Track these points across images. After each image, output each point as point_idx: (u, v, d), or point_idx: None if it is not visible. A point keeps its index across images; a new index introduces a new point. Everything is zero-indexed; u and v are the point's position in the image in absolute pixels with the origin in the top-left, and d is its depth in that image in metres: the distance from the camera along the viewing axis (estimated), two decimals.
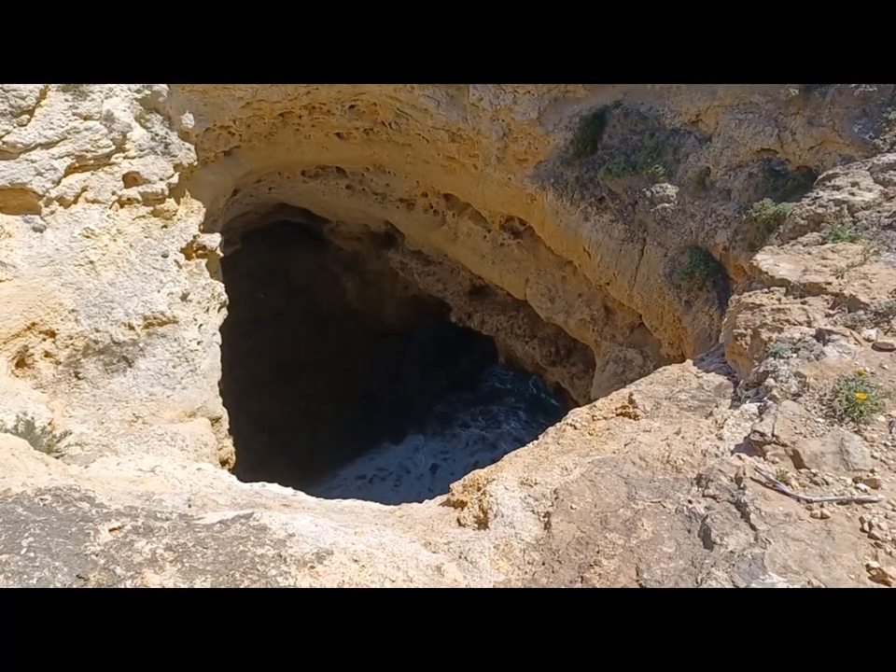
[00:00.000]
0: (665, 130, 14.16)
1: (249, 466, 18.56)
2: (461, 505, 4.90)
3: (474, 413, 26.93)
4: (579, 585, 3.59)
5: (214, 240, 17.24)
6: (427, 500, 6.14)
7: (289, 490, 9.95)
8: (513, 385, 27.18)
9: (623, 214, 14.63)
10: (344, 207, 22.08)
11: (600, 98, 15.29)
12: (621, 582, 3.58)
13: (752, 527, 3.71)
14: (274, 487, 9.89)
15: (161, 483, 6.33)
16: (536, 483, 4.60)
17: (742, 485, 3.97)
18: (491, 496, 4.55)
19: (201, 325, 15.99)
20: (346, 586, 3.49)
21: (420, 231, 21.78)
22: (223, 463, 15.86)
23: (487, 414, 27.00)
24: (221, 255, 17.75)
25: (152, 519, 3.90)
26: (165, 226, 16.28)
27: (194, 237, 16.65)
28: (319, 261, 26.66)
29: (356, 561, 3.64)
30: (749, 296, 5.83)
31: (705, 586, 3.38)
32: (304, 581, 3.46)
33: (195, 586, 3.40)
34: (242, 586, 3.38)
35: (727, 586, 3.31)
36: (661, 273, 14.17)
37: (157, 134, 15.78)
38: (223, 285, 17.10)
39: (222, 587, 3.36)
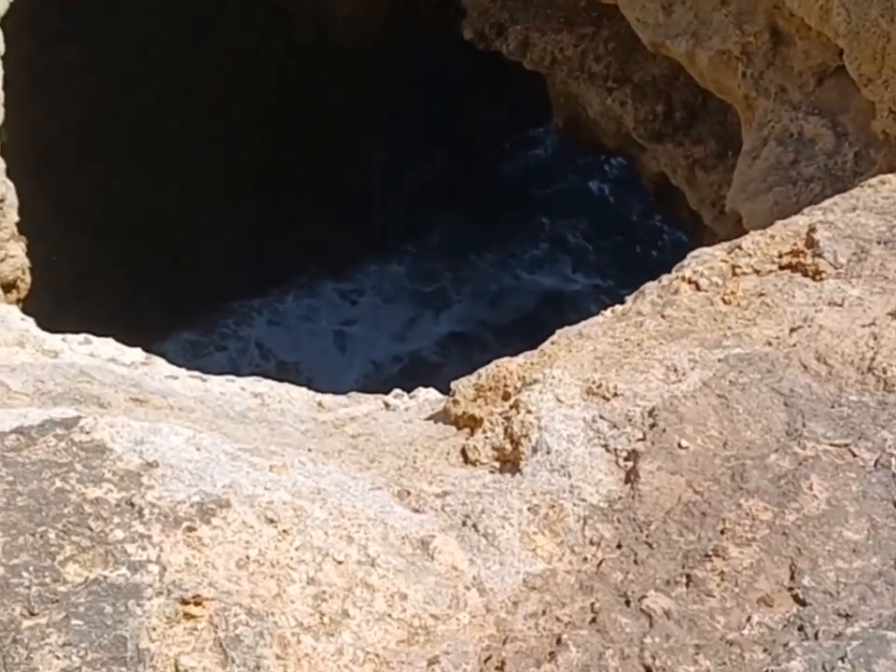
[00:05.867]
0: None
1: (60, 292, 18.92)
2: (472, 423, 5.04)
3: (495, 230, 27.13)
4: (681, 590, 3.78)
5: None
6: (404, 398, 6.30)
7: (138, 353, 10.28)
8: (574, 175, 27.21)
9: None
10: None
11: None
12: (759, 590, 3.75)
13: None
14: (108, 347, 10.20)
15: None
16: (615, 395, 4.69)
17: None
18: (529, 411, 4.65)
19: None
20: (254, 567, 3.67)
21: None
22: (7, 287, 16.19)
23: (521, 231, 27.21)
24: None
25: None
26: None
27: None
28: None
29: (271, 521, 3.81)
30: None
31: None
32: (176, 555, 3.62)
33: None
34: (60, 557, 3.54)
35: None
36: None
37: None
38: None
39: (23, 556, 3.52)
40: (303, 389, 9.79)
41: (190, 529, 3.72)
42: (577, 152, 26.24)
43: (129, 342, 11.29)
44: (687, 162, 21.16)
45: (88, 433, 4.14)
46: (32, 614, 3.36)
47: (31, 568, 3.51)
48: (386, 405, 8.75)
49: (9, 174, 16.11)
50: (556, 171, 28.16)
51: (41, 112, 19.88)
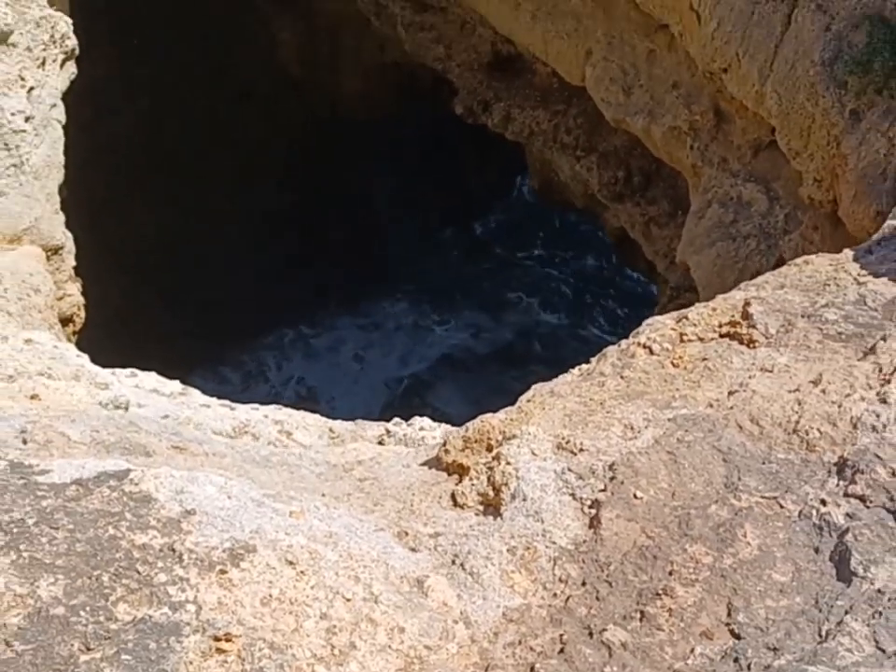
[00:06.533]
0: None
1: (108, 326, 18.92)
2: (460, 471, 5.07)
3: (480, 274, 27.35)
4: (636, 624, 3.81)
5: None
6: (403, 447, 6.33)
7: (176, 384, 10.29)
8: (544, 233, 27.46)
9: None
10: None
11: None
12: (701, 625, 3.79)
13: None
14: (150, 379, 10.22)
15: None
16: (581, 450, 4.74)
17: None
18: (508, 462, 4.71)
19: (31, 88, 15.74)
20: (275, 604, 3.70)
21: None
22: (65, 321, 16.17)
23: (502, 277, 27.42)
24: None
25: None
26: None
27: None
28: None
29: (290, 563, 3.84)
30: None
31: (831, 643, 3.58)
32: (210, 595, 3.65)
33: (38, 591, 3.58)
34: (112, 598, 3.57)
35: (866, 648, 3.51)
36: (816, 60, 14.03)
37: None
38: (71, 21, 16.70)
39: (81, 596, 3.55)
40: (317, 416, 9.79)
41: (222, 572, 3.75)
42: (550, 210, 26.44)
43: (169, 371, 11.33)
44: (643, 219, 21.32)
45: (136, 484, 4.17)
46: (88, 649, 3.38)
47: (87, 608, 3.54)
48: (388, 432, 8.79)
49: (67, 225, 16.18)
50: (530, 227, 28.48)
51: (95, 172, 19.91)
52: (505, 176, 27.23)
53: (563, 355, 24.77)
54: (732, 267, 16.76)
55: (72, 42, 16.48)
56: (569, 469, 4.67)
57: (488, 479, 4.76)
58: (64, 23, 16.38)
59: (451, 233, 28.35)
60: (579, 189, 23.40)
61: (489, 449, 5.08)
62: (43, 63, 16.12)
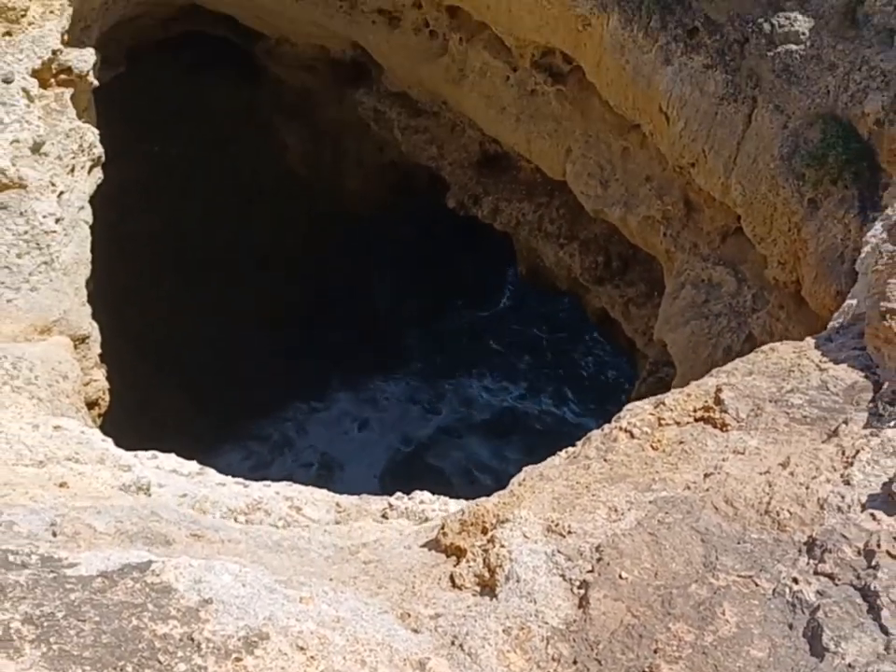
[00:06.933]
0: None
1: (129, 408, 18.85)
2: (457, 553, 5.05)
3: (473, 355, 27.53)
4: None
5: (84, 59, 16.99)
6: (405, 529, 6.29)
7: (194, 465, 10.24)
8: (537, 309, 27.58)
9: (724, 57, 14.49)
10: (291, 17, 21.57)
11: None
12: None
13: (884, 630, 3.84)
14: (170, 460, 10.17)
15: (9, 473, 6.47)
16: (569, 532, 4.73)
17: (873, 563, 4.08)
18: (502, 545, 4.69)
19: (61, 193, 15.96)
20: None
21: (407, 61, 21.38)
22: (91, 405, 16.15)
23: (493, 359, 27.59)
24: (96, 83, 17.52)
25: (2, 566, 4.02)
26: (9, 33, 16.03)
27: (54, 53, 16.40)
28: (248, 99, 26.16)
29: (301, 649, 3.80)
30: None
31: None
32: None
33: None
34: None
35: None
36: (775, 155, 14.21)
37: None
38: (97, 131, 16.94)
39: None
40: (324, 491, 9.73)
41: (238, 660, 3.71)
42: (537, 294, 26.71)
43: (188, 447, 11.29)
44: (623, 300, 21.37)
45: (157, 575, 4.14)
46: None
47: None
48: (391, 506, 8.74)
49: (93, 315, 16.23)
50: (518, 314, 28.84)
51: (119, 267, 20.03)
52: (495, 264, 27.40)
53: (548, 433, 25.30)
54: (706, 343, 16.80)
55: (98, 150, 16.73)
56: (559, 551, 4.64)
57: (484, 561, 4.73)
58: (92, 134, 16.64)
59: (446, 318, 28.51)
60: (563, 273, 23.56)
61: (484, 532, 5.05)
62: (72, 170, 16.33)
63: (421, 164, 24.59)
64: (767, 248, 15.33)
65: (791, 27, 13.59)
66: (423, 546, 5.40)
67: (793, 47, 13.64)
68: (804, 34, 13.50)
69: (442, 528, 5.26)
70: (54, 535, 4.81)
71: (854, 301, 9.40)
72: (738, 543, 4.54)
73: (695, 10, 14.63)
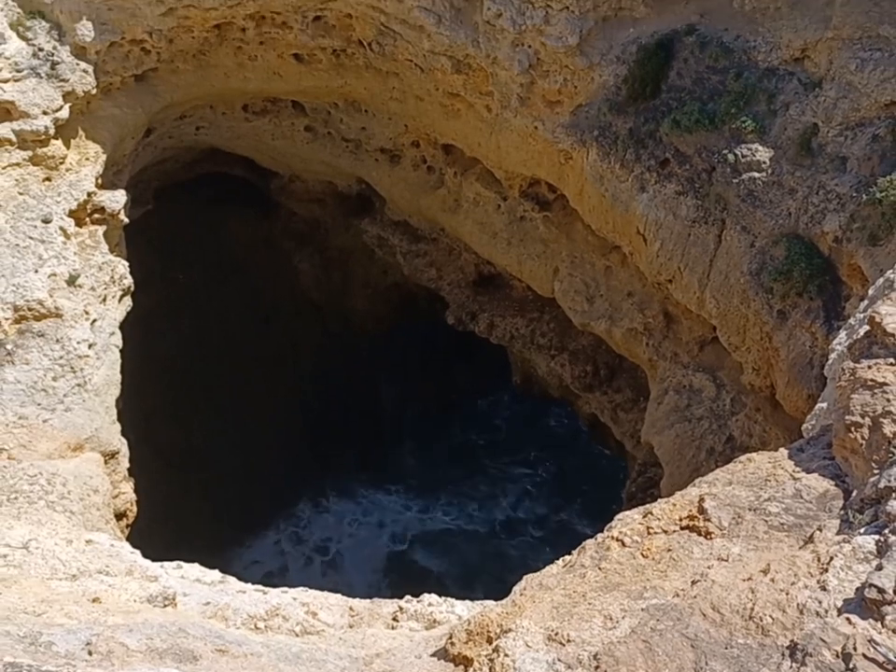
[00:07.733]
0: (756, 68, 14.20)
1: (156, 516, 18.62)
2: (465, 662, 4.91)
3: (473, 462, 27.51)
4: None
5: (116, 199, 17.24)
6: (415, 636, 6.15)
7: (216, 574, 10.05)
8: (531, 416, 27.53)
9: (694, 184, 14.71)
10: (302, 157, 22.07)
11: (667, 20, 15.26)
12: None
13: None
14: (194, 570, 9.99)
15: (46, 590, 6.35)
16: (569, 641, 4.61)
17: (851, 665, 3.95)
18: (507, 654, 4.57)
19: (94, 320, 16.03)
20: None
21: (407, 194, 21.78)
22: (119, 516, 15.95)
23: (493, 464, 27.57)
24: (126, 220, 17.77)
25: None
26: (49, 178, 16.31)
27: (89, 195, 16.67)
28: (263, 231, 26.66)
29: None
30: (869, 367, 5.78)
31: None
32: None
33: None
34: None
35: None
36: (745, 271, 14.32)
37: (41, 49, 15.77)
38: (127, 263, 17.11)
39: None
40: (339, 596, 9.50)
41: None
42: (530, 402, 26.84)
43: (209, 550, 11.06)
44: (611, 406, 21.29)
45: None
46: None
47: None
48: (401, 609, 8.54)
49: (122, 431, 16.15)
50: (511, 425, 28.92)
51: (145, 385, 20.04)
52: (491, 375, 27.46)
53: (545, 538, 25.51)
54: (689, 444, 16.65)
55: (128, 281, 16.90)
56: (559, 660, 4.52)
57: (490, 670, 4.59)
58: (122, 266, 16.81)
59: (447, 425, 28.48)
60: (554, 382, 23.58)
61: (489, 641, 4.92)
62: (104, 300, 16.44)
63: (422, 285, 24.94)
64: (742, 356, 15.32)
65: (752, 157, 13.85)
66: (432, 655, 5.25)
67: (756, 174, 13.87)
68: (765, 162, 13.75)
69: (450, 638, 5.13)
70: (90, 654, 4.68)
71: (825, 405, 9.33)
72: (726, 648, 4.42)
73: (666, 144, 14.91)
